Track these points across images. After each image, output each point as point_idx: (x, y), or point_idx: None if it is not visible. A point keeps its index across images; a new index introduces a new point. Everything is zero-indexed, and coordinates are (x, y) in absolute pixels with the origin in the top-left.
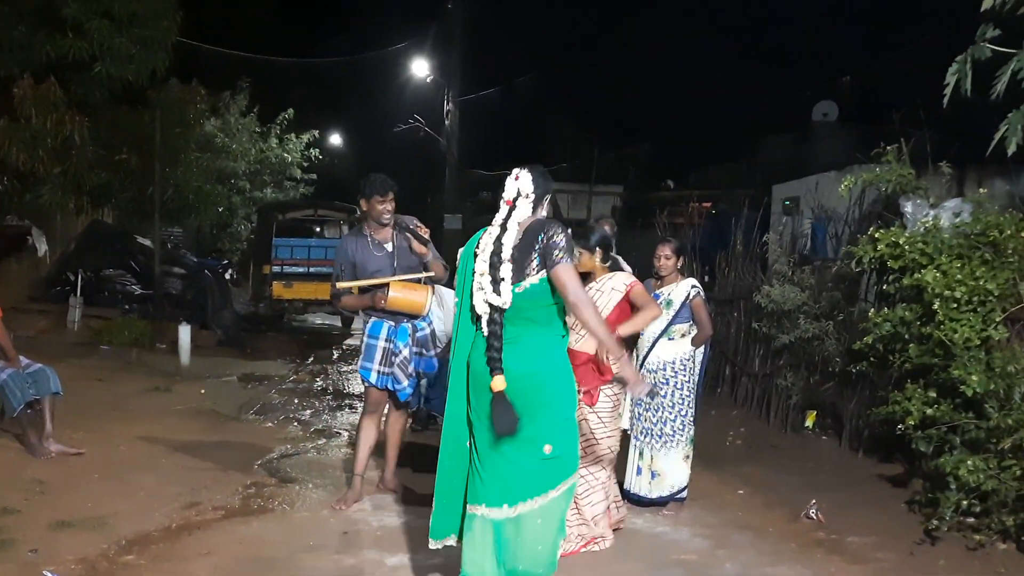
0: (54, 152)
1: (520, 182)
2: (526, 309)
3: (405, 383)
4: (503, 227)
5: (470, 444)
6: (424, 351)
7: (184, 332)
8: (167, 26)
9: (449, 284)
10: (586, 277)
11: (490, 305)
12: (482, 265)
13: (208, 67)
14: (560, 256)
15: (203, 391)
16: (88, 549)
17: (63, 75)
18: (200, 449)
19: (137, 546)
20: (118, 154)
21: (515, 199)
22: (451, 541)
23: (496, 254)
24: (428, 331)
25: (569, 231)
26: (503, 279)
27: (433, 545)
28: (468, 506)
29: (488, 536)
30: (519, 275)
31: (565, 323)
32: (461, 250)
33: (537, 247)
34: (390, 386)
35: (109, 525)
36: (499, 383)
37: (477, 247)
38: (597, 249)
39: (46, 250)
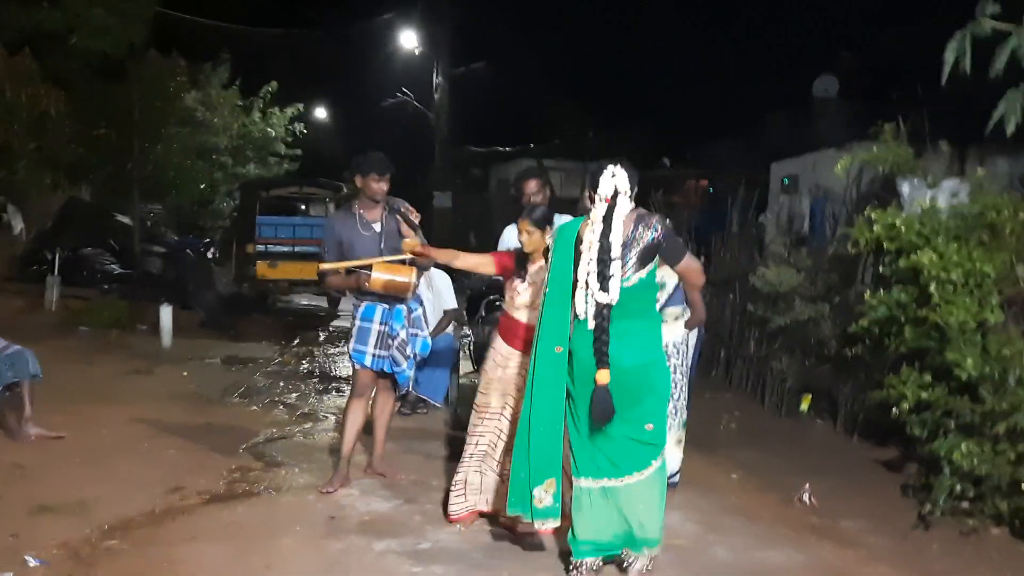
0: (29, 127)
1: (617, 179)
2: (630, 303)
3: (405, 365)
4: (607, 224)
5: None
6: (419, 332)
7: (165, 313)
8: None
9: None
10: (526, 257)
11: (597, 302)
12: (590, 264)
13: (188, 38)
14: (681, 250)
15: (185, 374)
16: (70, 534)
17: (38, 47)
18: (183, 433)
19: (120, 531)
20: (95, 129)
21: (614, 196)
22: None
23: (605, 252)
24: (420, 312)
25: (668, 220)
26: (612, 276)
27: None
28: (575, 480)
29: (599, 504)
30: (624, 271)
31: (657, 310)
32: (551, 238)
33: (642, 244)
34: (387, 369)
35: (91, 510)
36: (604, 377)
37: (579, 242)
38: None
39: (22, 228)
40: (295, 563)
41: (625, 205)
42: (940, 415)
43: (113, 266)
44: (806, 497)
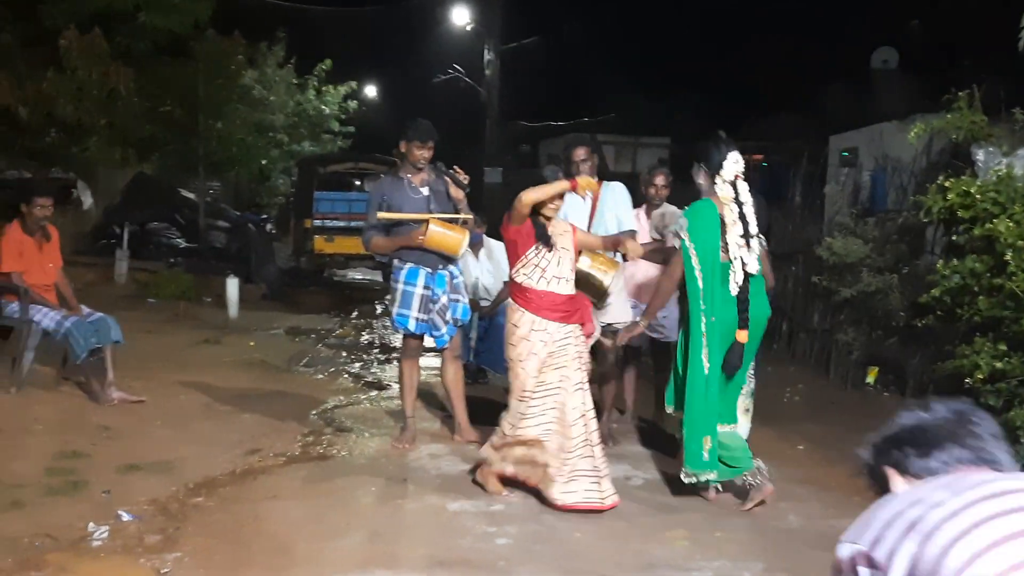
0: (100, 104)
1: (739, 164)
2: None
3: (444, 330)
4: (740, 204)
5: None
6: (460, 297)
7: (232, 285)
8: None
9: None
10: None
11: (746, 272)
12: (738, 239)
13: (244, 16)
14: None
15: (252, 343)
16: (158, 491)
17: (107, 26)
18: (255, 399)
19: (205, 489)
20: (162, 106)
21: (736, 178)
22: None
23: (746, 229)
24: (460, 279)
25: None
26: (753, 250)
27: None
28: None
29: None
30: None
31: None
32: (684, 222)
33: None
34: (427, 333)
35: (176, 469)
36: (745, 336)
37: (723, 223)
38: None
39: (91, 203)
40: (373, 521)
41: (745, 186)
42: (1016, 385)
43: (179, 240)
44: None
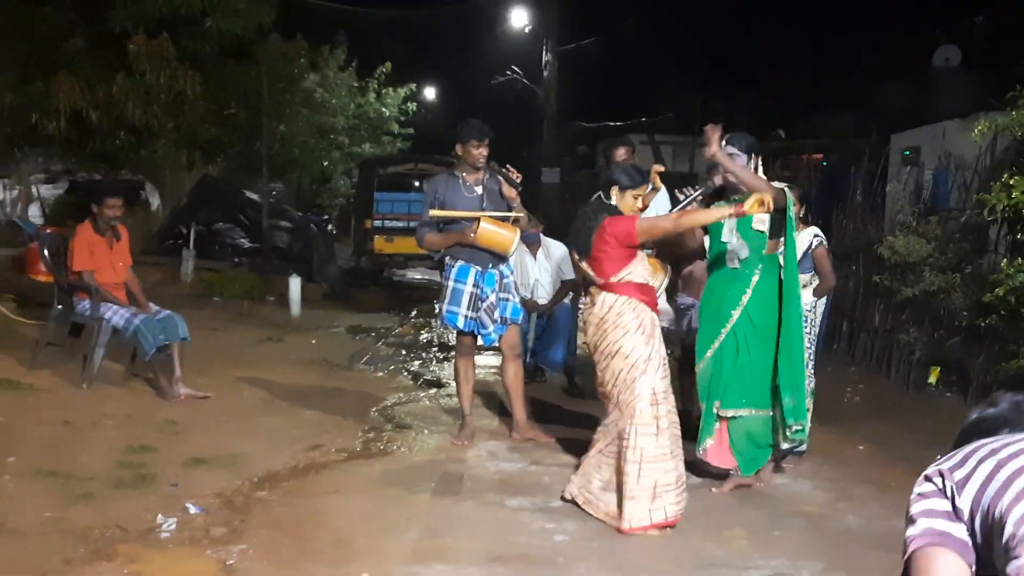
0: (167, 107)
1: None
2: None
3: (491, 328)
4: None
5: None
6: (510, 296)
7: (295, 284)
8: None
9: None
10: None
11: None
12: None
13: (307, 21)
14: None
15: (314, 341)
16: (223, 485)
17: (174, 30)
18: (317, 396)
19: (268, 483)
20: (227, 109)
21: None
22: None
23: None
24: (511, 278)
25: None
26: None
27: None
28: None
29: None
30: None
31: None
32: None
33: None
34: (475, 331)
35: (240, 463)
36: None
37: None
38: None
39: (159, 204)
40: (432, 516)
41: None
42: None
43: (243, 240)
44: None
